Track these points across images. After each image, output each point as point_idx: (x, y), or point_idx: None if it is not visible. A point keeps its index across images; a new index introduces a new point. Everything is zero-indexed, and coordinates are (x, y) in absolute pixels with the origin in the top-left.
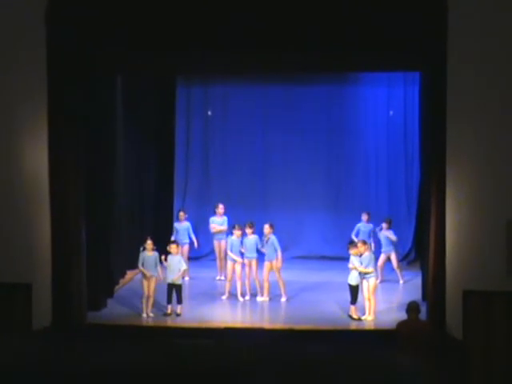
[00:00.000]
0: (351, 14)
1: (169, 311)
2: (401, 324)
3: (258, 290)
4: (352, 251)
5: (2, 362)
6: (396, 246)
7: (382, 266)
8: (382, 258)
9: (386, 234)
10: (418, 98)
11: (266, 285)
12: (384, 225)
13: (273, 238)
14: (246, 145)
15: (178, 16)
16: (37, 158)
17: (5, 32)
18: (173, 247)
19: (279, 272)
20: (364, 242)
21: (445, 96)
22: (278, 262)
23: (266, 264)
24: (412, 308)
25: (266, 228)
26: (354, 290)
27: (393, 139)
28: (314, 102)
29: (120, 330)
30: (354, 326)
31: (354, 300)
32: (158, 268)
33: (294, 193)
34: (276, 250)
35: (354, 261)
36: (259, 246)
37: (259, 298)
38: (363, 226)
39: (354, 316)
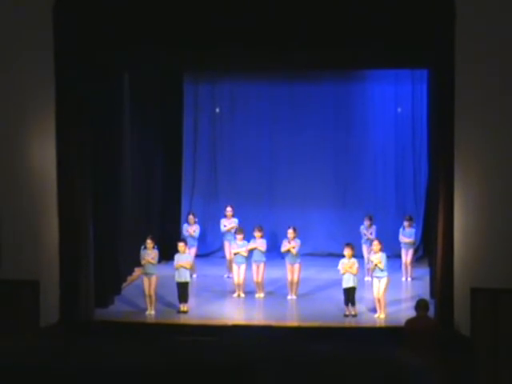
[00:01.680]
0: (359, 12)
1: (182, 309)
2: (409, 321)
3: (257, 288)
4: (347, 253)
5: (9, 360)
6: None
7: (409, 261)
8: (404, 253)
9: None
10: (426, 95)
11: (294, 285)
12: (406, 223)
13: (298, 241)
14: (253, 143)
15: (183, 14)
16: (45, 156)
17: (13, 30)
18: (180, 246)
19: (299, 273)
20: (379, 241)
21: (453, 94)
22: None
23: (289, 267)
24: (421, 305)
25: (290, 232)
26: (351, 293)
27: (401, 137)
28: (322, 100)
29: (127, 327)
30: (361, 323)
31: (352, 302)
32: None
33: (301, 190)
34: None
35: (345, 263)
36: (283, 249)
37: (289, 297)
38: (366, 229)
39: (347, 312)
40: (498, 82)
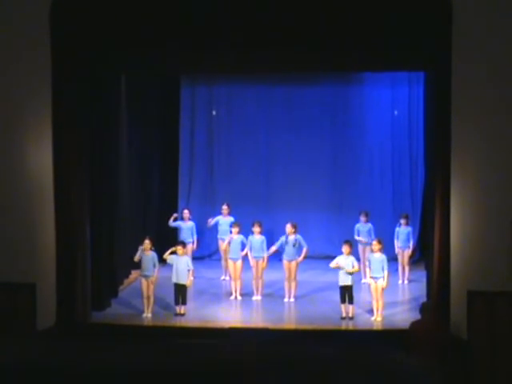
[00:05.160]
0: (356, 14)
1: (179, 311)
2: (414, 324)
3: (255, 290)
4: (345, 250)
5: (6, 362)
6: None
7: (406, 262)
8: (400, 254)
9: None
10: (423, 98)
11: (293, 285)
12: (402, 221)
13: (299, 237)
14: (250, 145)
15: (181, 15)
16: (41, 157)
17: (8, 32)
18: (179, 248)
19: (296, 271)
20: (379, 241)
21: (449, 96)
22: (300, 259)
23: (286, 264)
24: (426, 308)
25: (289, 227)
26: (348, 290)
27: (397, 139)
28: (318, 103)
29: (124, 329)
30: (358, 326)
31: (350, 300)
32: (156, 269)
33: (298, 193)
34: (301, 249)
35: (340, 261)
36: (277, 246)
37: (286, 299)
38: (362, 226)
39: (344, 314)
40: (495, 85)
